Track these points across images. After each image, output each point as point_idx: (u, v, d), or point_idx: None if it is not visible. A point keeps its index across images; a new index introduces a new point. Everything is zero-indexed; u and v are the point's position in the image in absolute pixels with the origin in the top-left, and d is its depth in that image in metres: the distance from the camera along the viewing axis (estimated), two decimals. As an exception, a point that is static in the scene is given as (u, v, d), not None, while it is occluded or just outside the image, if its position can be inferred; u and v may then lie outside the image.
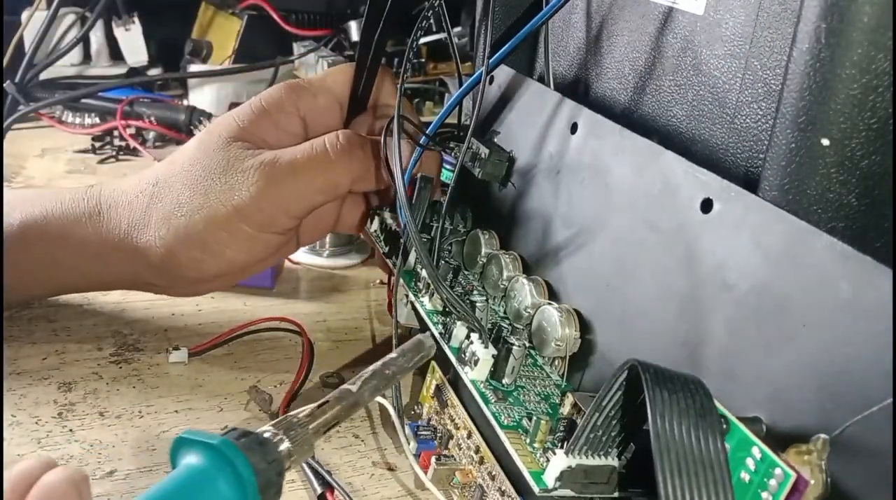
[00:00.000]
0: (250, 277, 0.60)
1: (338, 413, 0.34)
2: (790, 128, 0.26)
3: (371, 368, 0.37)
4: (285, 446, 0.30)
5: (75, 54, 1.01)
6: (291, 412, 0.32)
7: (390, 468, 0.43)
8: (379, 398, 0.39)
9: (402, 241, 0.43)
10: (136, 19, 1.00)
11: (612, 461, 0.27)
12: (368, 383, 0.36)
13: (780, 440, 0.23)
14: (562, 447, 0.27)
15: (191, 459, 0.26)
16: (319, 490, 0.38)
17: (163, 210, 0.38)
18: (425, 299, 0.40)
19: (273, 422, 0.31)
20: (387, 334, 0.56)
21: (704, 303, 0.28)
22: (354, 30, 1.00)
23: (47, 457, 0.26)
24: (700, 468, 0.21)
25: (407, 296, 0.43)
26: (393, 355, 0.39)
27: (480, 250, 0.43)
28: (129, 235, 0.40)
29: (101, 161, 0.86)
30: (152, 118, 0.91)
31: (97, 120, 0.93)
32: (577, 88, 0.43)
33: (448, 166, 0.46)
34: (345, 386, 0.35)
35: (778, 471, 0.22)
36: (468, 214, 0.46)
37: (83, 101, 0.91)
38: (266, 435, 0.29)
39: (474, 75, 0.41)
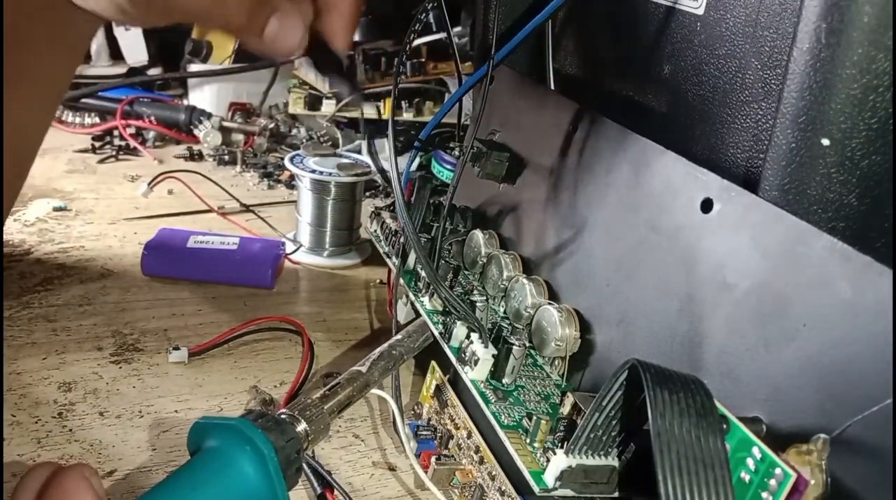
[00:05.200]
0: (250, 277, 0.60)
1: (350, 394, 0.34)
2: (790, 128, 0.26)
3: (378, 349, 0.38)
4: (302, 426, 0.30)
5: (75, 54, 1.01)
6: (304, 396, 0.32)
7: (390, 468, 0.43)
8: (380, 394, 0.39)
9: (401, 241, 0.44)
10: (136, 19, 1.00)
11: (612, 460, 0.27)
12: (377, 364, 0.36)
13: (780, 440, 0.23)
14: (562, 446, 0.27)
15: (210, 443, 0.26)
16: (319, 490, 0.38)
17: None
18: (425, 299, 0.40)
19: (288, 405, 0.31)
20: (387, 334, 0.56)
21: (704, 303, 0.28)
22: (354, 30, 1.00)
23: (49, 461, 0.26)
24: (700, 467, 0.21)
25: (407, 296, 0.43)
26: (399, 336, 0.39)
27: (480, 250, 0.43)
28: None
29: (101, 161, 0.86)
30: (152, 118, 0.91)
31: (97, 120, 0.93)
32: (577, 88, 0.43)
33: (448, 166, 0.46)
34: (354, 368, 0.36)
35: (778, 471, 0.22)
36: (468, 214, 0.46)
37: (83, 100, 0.91)
38: (282, 416, 0.30)
39: (479, 70, 0.41)
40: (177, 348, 0.50)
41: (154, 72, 1.05)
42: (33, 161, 0.44)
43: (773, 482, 0.22)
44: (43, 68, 0.38)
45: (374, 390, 0.36)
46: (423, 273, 0.41)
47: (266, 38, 0.27)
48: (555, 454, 0.27)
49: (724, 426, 0.23)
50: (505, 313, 0.39)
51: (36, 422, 0.42)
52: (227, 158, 0.90)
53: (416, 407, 0.44)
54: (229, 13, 0.27)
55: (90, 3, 0.30)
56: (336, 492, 0.38)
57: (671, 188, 0.31)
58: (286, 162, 0.67)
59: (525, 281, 0.38)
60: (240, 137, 0.91)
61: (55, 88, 0.41)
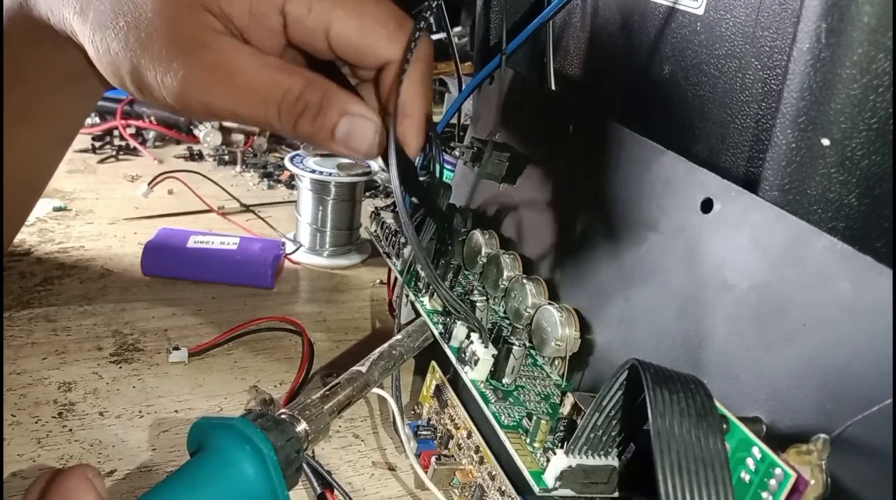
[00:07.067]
0: (250, 277, 0.60)
1: (350, 394, 0.34)
2: (790, 128, 0.26)
3: (378, 349, 0.38)
4: (302, 426, 0.30)
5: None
6: (304, 396, 0.32)
7: (390, 468, 0.43)
8: (381, 394, 0.39)
9: (401, 242, 0.44)
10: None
11: (613, 461, 0.27)
12: (377, 364, 0.36)
13: (780, 440, 0.23)
14: (562, 446, 0.27)
15: (210, 442, 0.26)
16: (319, 490, 0.38)
17: (99, 10, 0.29)
18: (425, 299, 0.40)
19: (288, 405, 0.31)
20: (387, 334, 0.56)
21: (704, 303, 0.28)
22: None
23: (55, 468, 0.26)
24: (700, 467, 0.21)
25: (407, 296, 0.43)
26: (399, 336, 0.39)
27: (480, 250, 0.43)
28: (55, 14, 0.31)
29: (101, 161, 0.86)
30: (152, 118, 0.91)
31: (97, 120, 0.93)
32: (577, 88, 0.43)
33: (448, 166, 0.46)
34: (354, 368, 0.36)
35: (778, 471, 0.22)
36: (468, 214, 0.46)
37: (83, 100, 0.91)
38: (282, 416, 0.30)
39: (492, 62, 0.41)
40: (177, 348, 0.50)
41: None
42: (42, 192, 0.45)
43: (773, 482, 0.22)
44: (55, 111, 0.39)
45: (375, 390, 0.36)
46: (423, 273, 0.40)
47: (338, 139, 0.28)
48: (555, 454, 0.27)
49: (724, 426, 0.23)
50: (505, 313, 0.39)
51: (36, 422, 0.42)
52: (227, 158, 0.90)
53: (416, 407, 0.44)
54: (286, 121, 0.28)
55: (108, 74, 0.30)
56: (336, 492, 0.38)
57: (671, 188, 0.31)
58: (286, 162, 0.67)
59: (525, 281, 0.38)
60: (240, 137, 0.91)
61: (67, 128, 0.41)
